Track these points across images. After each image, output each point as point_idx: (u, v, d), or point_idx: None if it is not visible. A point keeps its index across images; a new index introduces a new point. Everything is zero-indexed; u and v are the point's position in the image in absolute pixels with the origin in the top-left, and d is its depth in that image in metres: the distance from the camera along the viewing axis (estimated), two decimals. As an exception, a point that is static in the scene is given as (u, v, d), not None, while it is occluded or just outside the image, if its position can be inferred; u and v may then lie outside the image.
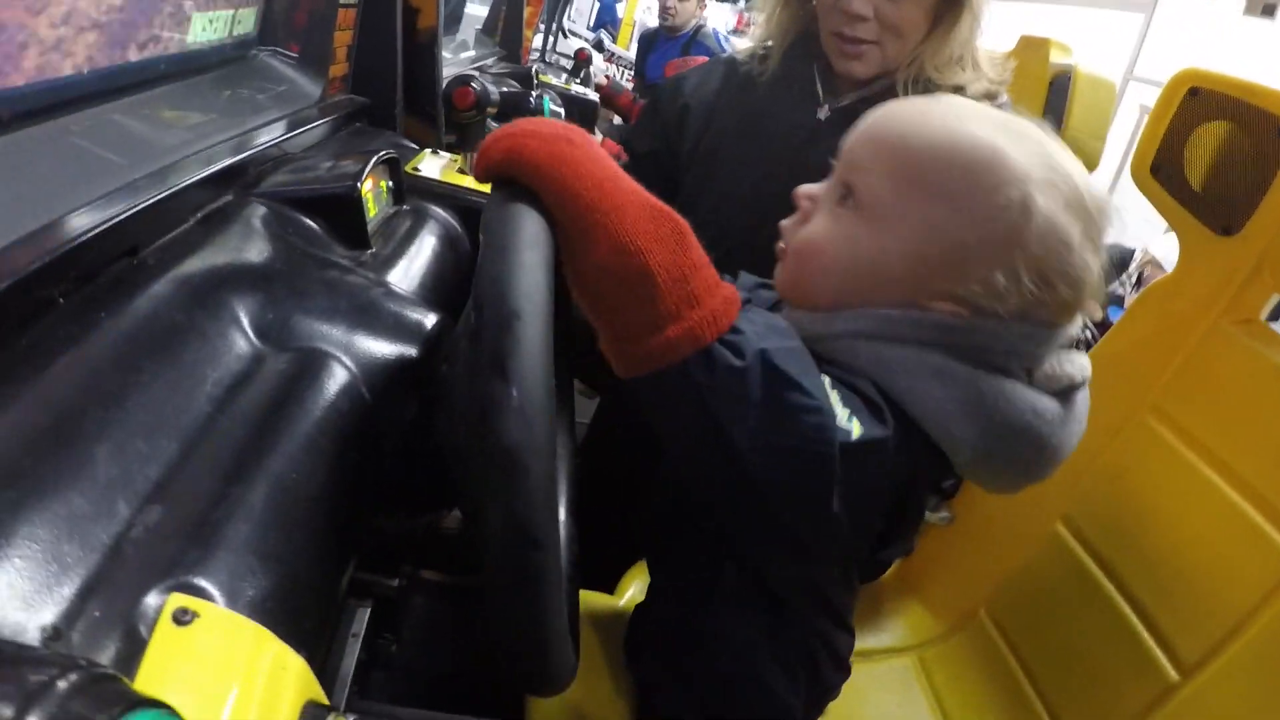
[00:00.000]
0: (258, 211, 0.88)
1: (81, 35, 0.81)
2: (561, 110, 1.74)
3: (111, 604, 0.44)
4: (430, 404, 0.77)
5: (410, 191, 1.17)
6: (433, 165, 1.29)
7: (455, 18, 2.21)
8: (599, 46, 3.72)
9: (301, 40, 1.25)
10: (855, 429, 0.58)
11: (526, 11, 2.61)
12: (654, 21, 3.94)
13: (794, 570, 0.77)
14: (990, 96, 1.13)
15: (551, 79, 2.38)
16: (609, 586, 1.17)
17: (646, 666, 0.87)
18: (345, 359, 0.71)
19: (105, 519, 0.48)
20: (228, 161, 0.89)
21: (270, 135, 1.04)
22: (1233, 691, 1.01)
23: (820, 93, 1.15)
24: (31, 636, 0.41)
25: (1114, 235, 0.67)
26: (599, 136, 2.64)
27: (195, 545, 0.49)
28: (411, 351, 0.78)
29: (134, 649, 0.43)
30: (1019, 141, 0.63)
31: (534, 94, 1.51)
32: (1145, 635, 1.12)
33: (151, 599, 0.46)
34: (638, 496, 0.85)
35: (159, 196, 0.75)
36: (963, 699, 1.32)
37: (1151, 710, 1.07)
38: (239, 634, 0.48)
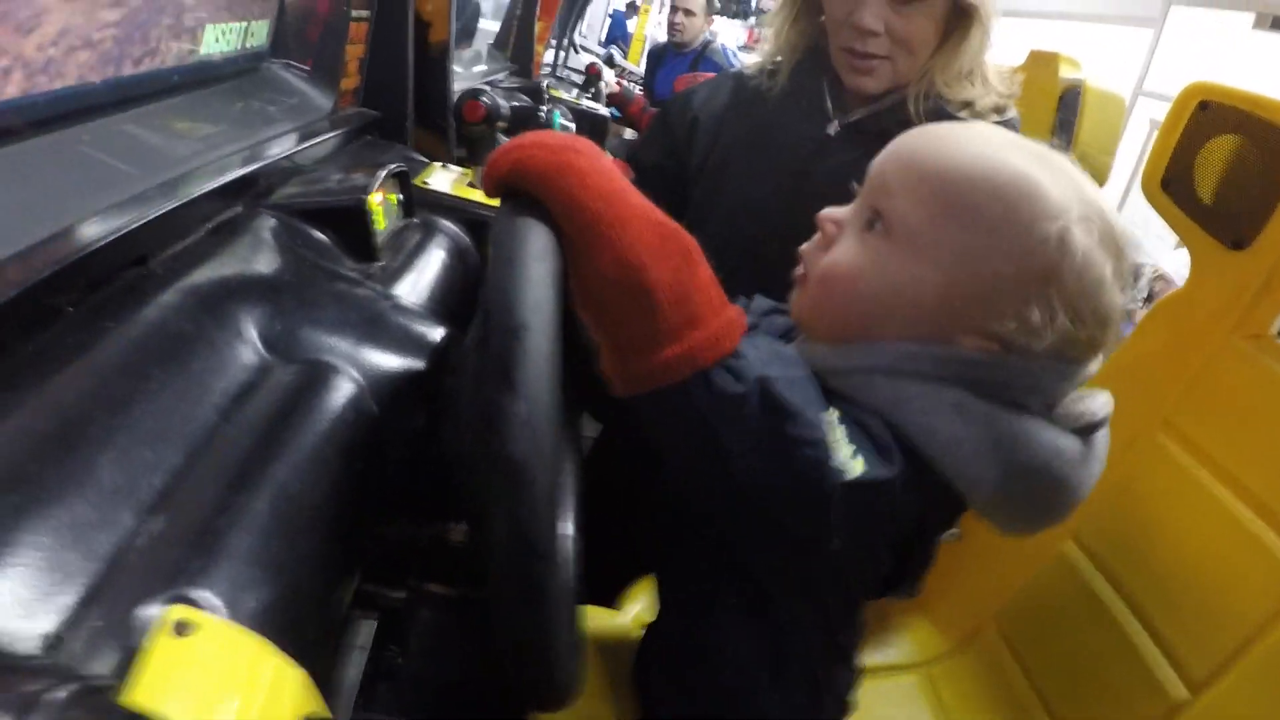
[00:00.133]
0: (267, 223, 0.88)
1: (86, 47, 0.81)
2: (573, 125, 1.74)
3: (112, 613, 0.44)
4: (437, 415, 0.77)
5: (420, 205, 1.17)
6: (442, 179, 1.30)
7: (469, 32, 2.23)
8: (610, 62, 3.73)
9: (314, 53, 1.26)
10: (856, 467, 0.56)
11: (538, 27, 2.62)
12: (664, 37, 3.97)
13: (796, 591, 0.75)
14: (999, 110, 1.12)
15: (562, 94, 2.39)
16: (612, 601, 1.17)
17: (653, 680, 0.86)
18: (352, 371, 0.71)
19: (108, 527, 0.48)
20: (238, 173, 0.90)
21: (281, 147, 1.04)
22: (1242, 708, 1.00)
23: (830, 108, 1.15)
24: (31, 644, 0.40)
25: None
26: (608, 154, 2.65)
27: (198, 555, 0.49)
28: (418, 364, 0.78)
29: (133, 659, 0.43)
30: (1054, 174, 0.61)
31: (544, 108, 1.52)
32: (1154, 651, 1.11)
33: (152, 609, 0.45)
34: (641, 510, 0.84)
35: (169, 207, 0.75)
36: (970, 716, 1.30)
37: (1161, 727, 1.06)
38: (239, 646, 0.47)
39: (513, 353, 0.47)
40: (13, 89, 0.71)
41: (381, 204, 1.01)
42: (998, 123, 1.12)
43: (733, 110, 1.23)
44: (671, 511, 0.80)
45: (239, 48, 1.14)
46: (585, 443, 0.97)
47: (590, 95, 2.86)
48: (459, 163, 1.44)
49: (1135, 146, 4.40)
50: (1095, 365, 0.64)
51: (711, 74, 2.64)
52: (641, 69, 4.31)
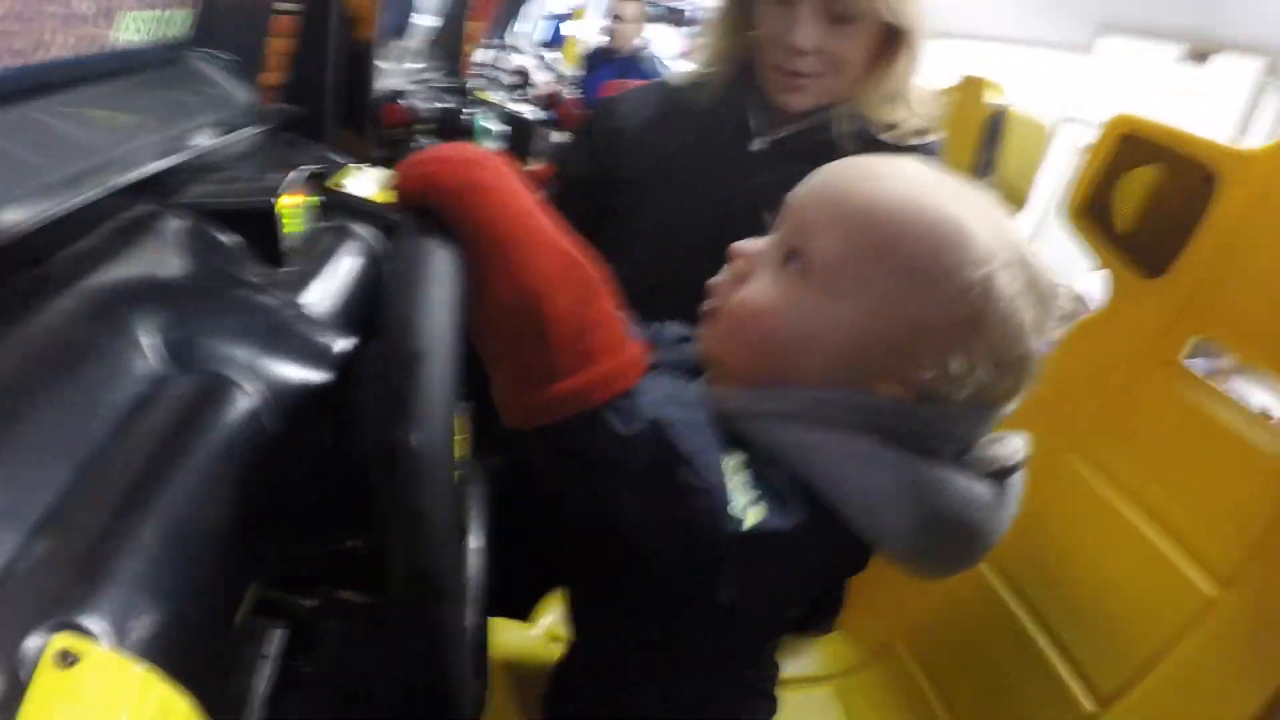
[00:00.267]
0: (174, 223, 0.86)
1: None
2: (493, 128, 1.73)
3: (-7, 642, 0.42)
4: (341, 430, 0.75)
5: (335, 207, 1.15)
6: (359, 181, 1.27)
7: (402, 28, 2.19)
8: (543, 64, 3.73)
9: (237, 45, 1.22)
10: (751, 518, 0.55)
11: (473, 27, 2.60)
12: (601, 41, 3.96)
13: (696, 634, 0.72)
14: (921, 134, 1.15)
15: (491, 96, 2.37)
16: (525, 612, 1.16)
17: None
18: (250, 384, 0.69)
19: None
20: (149, 169, 0.87)
21: (195, 142, 1.01)
22: None
23: (755, 124, 1.16)
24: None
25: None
26: (530, 163, 2.64)
27: (83, 581, 0.47)
28: (322, 376, 0.76)
29: (14, 693, 0.41)
30: (979, 216, 0.60)
31: (466, 111, 1.50)
32: (1062, 667, 1.15)
33: (34, 639, 0.43)
34: (552, 525, 0.84)
35: (72, 203, 0.72)
36: (880, 731, 1.33)
37: (1071, 742, 1.09)
38: (125, 676, 0.46)
39: (409, 385, 0.46)
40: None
41: (293, 206, 0.99)
42: (919, 145, 1.15)
43: (659, 122, 1.23)
44: (574, 547, 0.78)
45: (158, 35, 1.10)
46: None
47: (519, 98, 2.84)
48: (378, 164, 1.41)
49: (1062, 170, 4.55)
50: (1012, 407, 0.64)
51: (639, 82, 2.67)
52: (577, 72, 4.32)
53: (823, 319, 0.60)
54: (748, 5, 1.14)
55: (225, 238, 0.90)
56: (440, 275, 0.50)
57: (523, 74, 2.98)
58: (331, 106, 1.34)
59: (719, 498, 0.54)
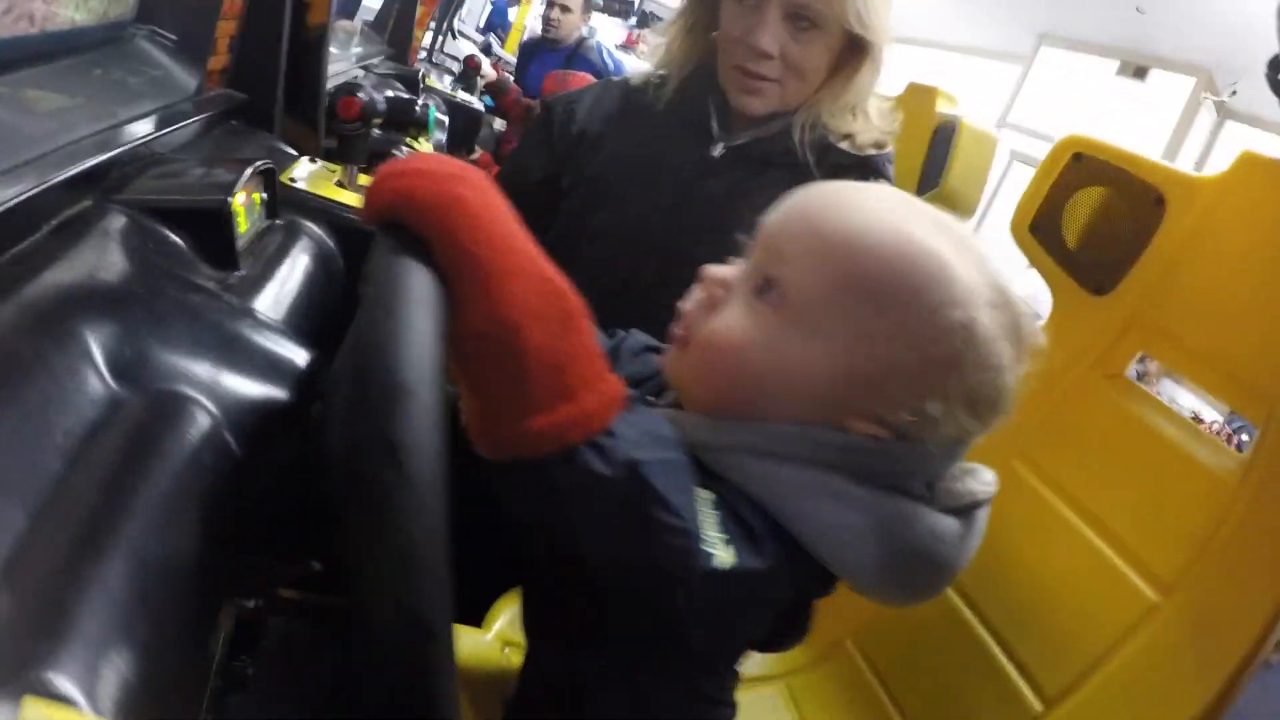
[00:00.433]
0: (117, 222, 0.79)
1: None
2: (446, 119, 1.67)
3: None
4: (302, 448, 0.71)
5: (283, 203, 1.08)
6: (309, 176, 1.21)
7: (349, 11, 2.10)
8: (487, 50, 3.63)
9: (181, 25, 1.15)
10: (725, 558, 0.53)
11: (419, 10, 2.51)
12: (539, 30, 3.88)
13: (656, 661, 0.69)
14: (879, 146, 1.14)
15: (436, 83, 2.29)
16: (476, 617, 1.13)
17: None
18: (209, 402, 0.64)
19: None
20: (91, 162, 0.80)
21: (139, 132, 0.95)
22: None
23: (715, 129, 1.14)
24: None
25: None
26: (477, 152, 2.57)
27: (48, 637, 0.42)
28: (283, 393, 0.71)
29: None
30: (961, 251, 0.58)
31: (420, 102, 1.44)
32: (1009, 668, 1.16)
33: (1, 707, 0.39)
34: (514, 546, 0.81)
35: (6, 201, 0.66)
36: (830, 728, 1.33)
37: (1017, 741, 1.10)
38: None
39: (396, 421, 0.42)
40: None
41: (244, 204, 0.93)
42: (874, 156, 1.14)
43: (619, 121, 1.20)
44: (536, 573, 0.74)
45: (100, 15, 1.03)
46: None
47: (464, 87, 2.76)
48: (327, 156, 1.35)
49: (994, 176, 4.66)
50: (980, 438, 0.62)
51: (584, 73, 2.61)
52: (513, 60, 4.20)
53: (797, 355, 0.58)
54: (711, 5, 1.11)
55: (174, 237, 0.84)
56: (421, 299, 0.46)
57: (470, 65, 2.89)
58: (282, 95, 1.27)
59: (693, 539, 0.52)
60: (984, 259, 0.59)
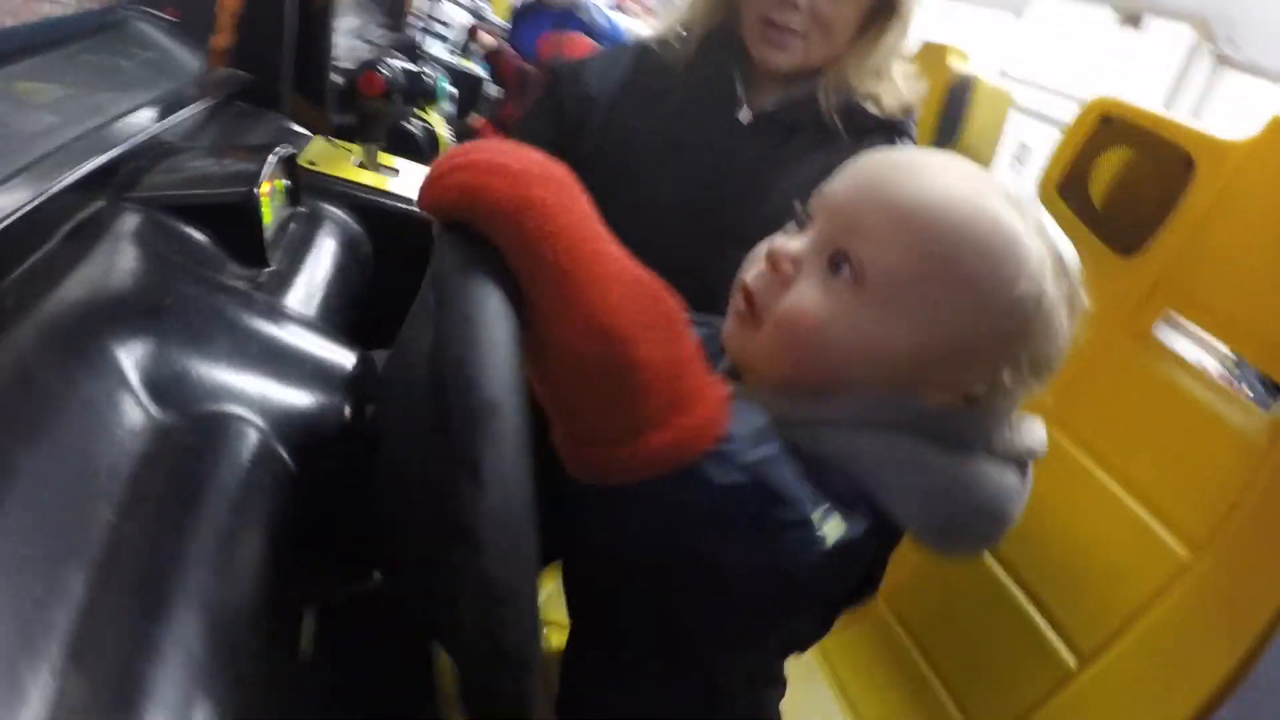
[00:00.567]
0: (134, 223, 0.71)
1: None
2: (454, 89, 1.57)
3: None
4: (354, 457, 0.65)
5: (303, 189, 1.00)
6: (328, 157, 1.12)
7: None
8: (477, 15, 3.48)
9: (179, 4, 1.05)
10: (830, 534, 0.51)
11: (415, -27, 2.37)
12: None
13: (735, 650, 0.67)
14: (906, 110, 1.07)
15: (430, 49, 2.16)
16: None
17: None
18: (257, 418, 0.58)
19: (9, 705, 0.34)
20: (100, 160, 0.72)
21: (145, 121, 0.86)
22: (1129, 677, 1.04)
23: (741, 93, 1.06)
24: None
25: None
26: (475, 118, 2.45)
27: (126, 714, 0.37)
28: (333, 399, 0.65)
29: None
30: (1027, 222, 0.55)
31: (429, 72, 1.35)
32: (1044, 626, 1.14)
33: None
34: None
35: (20, 208, 0.59)
36: (867, 689, 1.31)
37: (1052, 695, 1.09)
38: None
39: (481, 442, 0.38)
40: None
41: (268, 193, 0.86)
42: (900, 120, 1.07)
43: (633, 88, 1.11)
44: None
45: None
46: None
47: (460, 52, 2.63)
48: (339, 134, 1.26)
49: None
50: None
51: (579, 34, 2.49)
52: (506, 24, 4.03)
53: (877, 333, 0.55)
54: None
55: (198, 236, 0.76)
56: (498, 309, 0.41)
57: (469, 28, 2.75)
58: (289, 72, 1.18)
59: (810, 528, 0.50)
60: (1044, 225, 0.57)
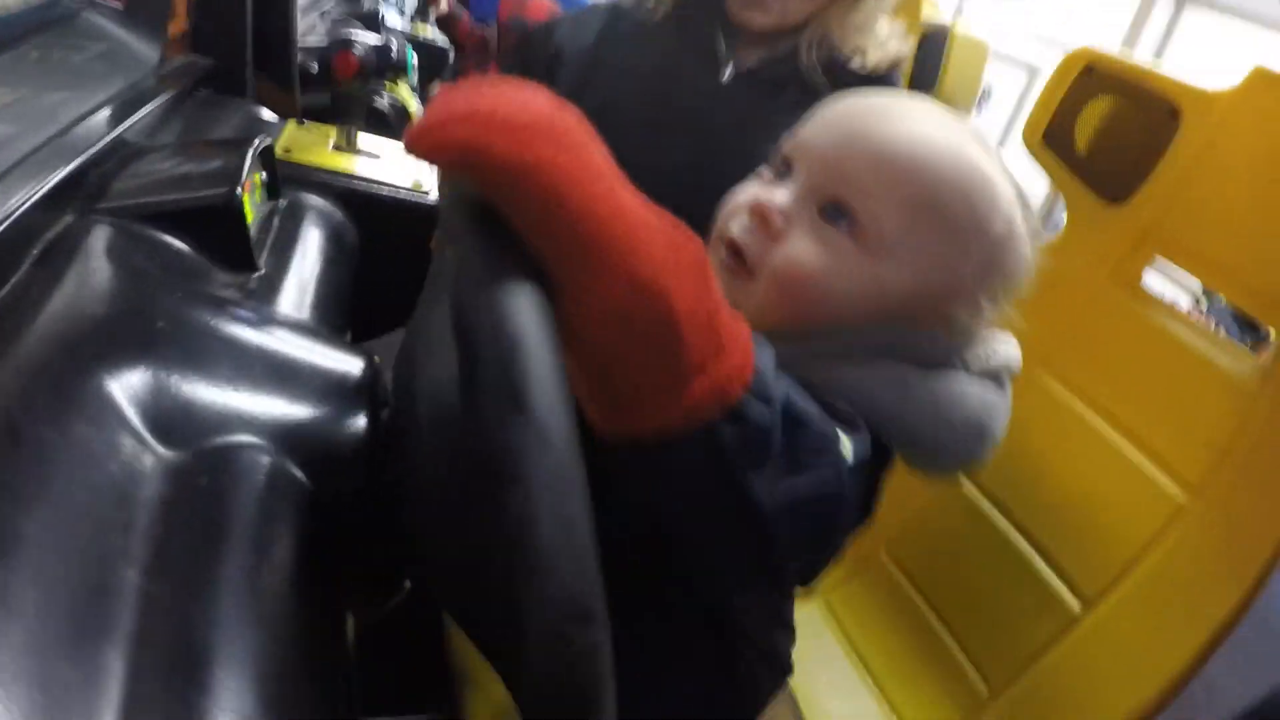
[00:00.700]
0: (109, 237, 0.63)
1: None
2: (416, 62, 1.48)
3: None
4: (376, 467, 0.60)
5: (281, 179, 0.92)
6: (303, 143, 1.04)
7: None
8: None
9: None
10: (847, 453, 0.51)
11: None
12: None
13: (758, 591, 0.67)
14: (894, 66, 1.02)
15: (388, 17, 2.04)
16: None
17: None
18: (269, 443, 0.52)
19: None
20: (64, 170, 0.65)
21: (107, 122, 0.78)
22: (1133, 619, 1.04)
23: (723, 51, 1.00)
24: None
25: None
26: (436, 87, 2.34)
27: None
28: (346, 411, 0.59)
29: None
30: (995, 161, 0.58)
31: (394, 43, 1.26)
32: (1046, 570, 1.13)
33: None
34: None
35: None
36: (872, 637, 1.31)
37: (1057, 639, 1.09)
38: None
39: (520, 374, 0.34)
40: None
41: (250, 191, 0.78)
42: (884, 77, 1.02)
43: (606, 50, 1.04)
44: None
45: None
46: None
47: (421, 20, 2.50)
48: (309, 115, 1.18)
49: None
50: None
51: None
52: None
53: (871, 280, 0.56)
54: None
55: (179, 245, 0.69)
56: (527, 308, 0.36)
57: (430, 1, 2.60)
58: (252, 55, 1.08)
59: (836, 451, 0.50)
60: (1006, 163, 0.60)
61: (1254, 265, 1.05)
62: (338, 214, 0.96)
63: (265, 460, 0.51)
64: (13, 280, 0.55)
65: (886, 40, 1.02)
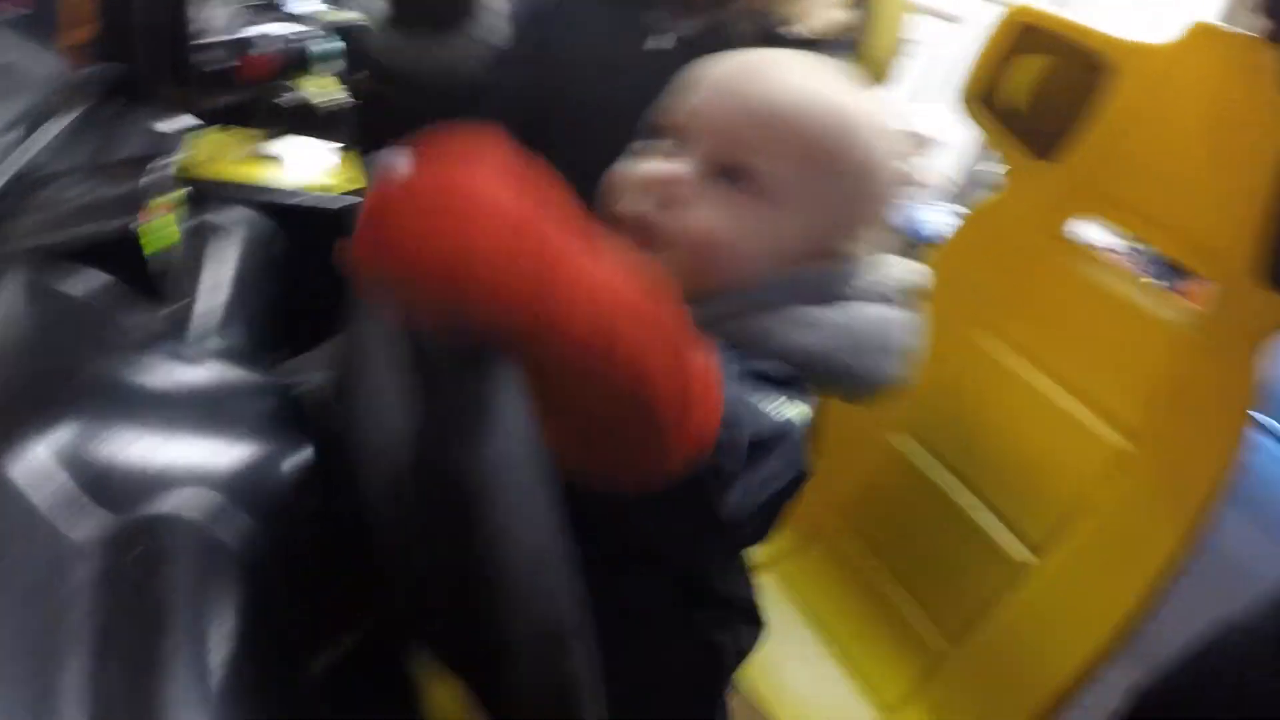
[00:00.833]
0: (14, 282, 0.61)
1: None
2: (329, 47, 1.42)
3: None
4: (326, 498, 0.59)
5: (197, 194, 0.88)
6: (215, 153, 1.00)
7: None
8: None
9: (23, -3, 0.90)
10: (799, 418, 0.55)
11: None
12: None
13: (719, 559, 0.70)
14: (842, 32, 1.01)
15: (299, 5, 1.94)
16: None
17: None
18: (214, 495, 0.50)
19: None
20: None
21: (7, 147, 0.74)
22: (1083, 563, 1.08)
23: (651, 20, 0.99)
24: None
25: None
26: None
27: None
28: (284, 446, 0.58)
29: None
30: (862, 98, 0.64)
31: (300, 39, 1.21)
32: (996, 525, 1.17)
33: None
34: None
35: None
36: (828, 603, 1.33)
37: (1010, 587, 1.13)
38: None
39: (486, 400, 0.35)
40: None
41: (160, 214, 0.76)
42: (829, 41, 1.01)
43: (553, 16, 1.03)
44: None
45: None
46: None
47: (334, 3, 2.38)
48: (221, 118, 1.13)
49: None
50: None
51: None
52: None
53: (774, 231, 0.61)
54: None
55: (90, 281, 0.66)
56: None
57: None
58: (160, 59, 1.03)
59: (792, 428, 0.54)
60: (871, 95, 0.66)
61: (1191, 220, 1.07)
62: (260, 222, 0.92)
63: (205, 516, 0.49)
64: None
65: (828, 6, 1.01)
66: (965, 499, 1.21)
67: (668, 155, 0.62)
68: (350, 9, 2.38)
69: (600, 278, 0.40)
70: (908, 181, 0.73)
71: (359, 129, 0.95)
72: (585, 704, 0.38)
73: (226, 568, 0.48)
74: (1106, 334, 1.14)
